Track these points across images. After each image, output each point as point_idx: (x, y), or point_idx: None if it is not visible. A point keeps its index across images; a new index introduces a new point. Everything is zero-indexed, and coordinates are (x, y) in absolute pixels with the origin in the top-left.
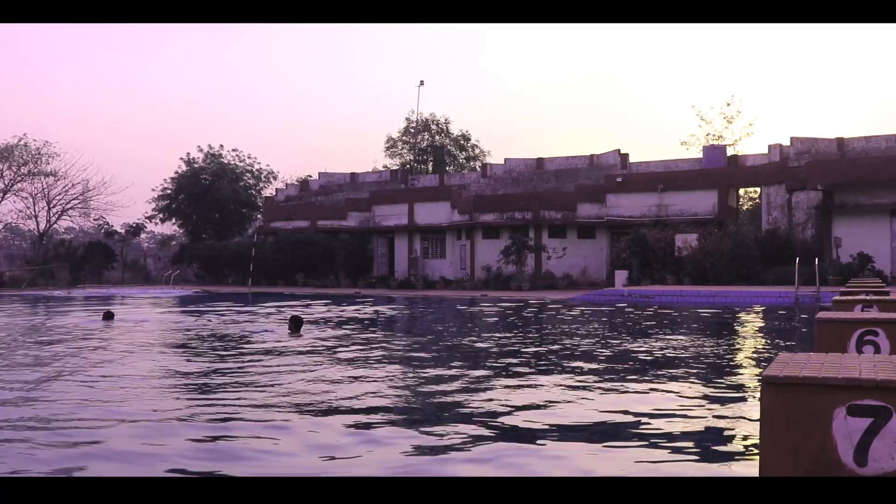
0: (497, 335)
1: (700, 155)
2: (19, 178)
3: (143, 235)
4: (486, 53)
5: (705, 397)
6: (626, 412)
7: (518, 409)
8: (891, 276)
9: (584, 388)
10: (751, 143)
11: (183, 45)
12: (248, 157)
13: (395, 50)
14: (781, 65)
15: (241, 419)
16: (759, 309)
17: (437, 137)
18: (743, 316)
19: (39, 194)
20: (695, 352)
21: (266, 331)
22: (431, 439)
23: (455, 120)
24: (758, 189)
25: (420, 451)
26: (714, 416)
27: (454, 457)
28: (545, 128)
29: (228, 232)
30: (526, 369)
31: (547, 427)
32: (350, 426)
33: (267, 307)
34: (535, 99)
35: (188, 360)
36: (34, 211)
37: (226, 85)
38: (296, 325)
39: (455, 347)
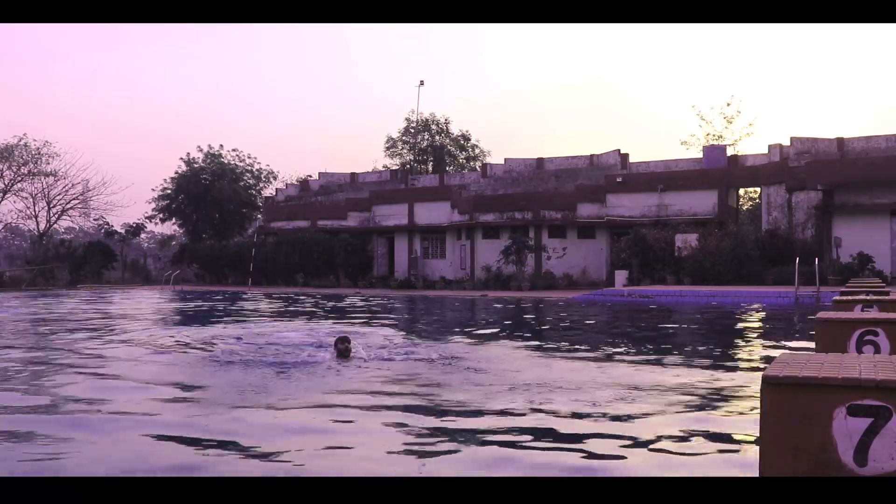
0: (497, 335)
1: (700, 155)
2: (19, 178)
3: (143, 235)
4: (486, 54)
5: (705, 397)
6: (624, 411)
7: (518, 408)
8: (891, 276)
9: (581, 387)
10: (751, 143)
11: (183, 46)
12: (248, 157)
13: (395, 50)
14: (781, 65)
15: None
16: (759, 309)
17: (437, 137)
18: (743, 316)
19: (39, 194)
20: (694, 351)
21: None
22: (433, 439)
23: (455, 120)
24: (758, 189)
25: (423, 452)
26: (714, 416)
27: (453, 457)
28: (545, 128)
29: (228, 232)
30: (524, 370)
31: (543, 429)
32: (352, 427)
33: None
34: (534, 99)
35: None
36: (34, 211)
37: (226, 85)
38: (343, 348)
39: (452, 347)
